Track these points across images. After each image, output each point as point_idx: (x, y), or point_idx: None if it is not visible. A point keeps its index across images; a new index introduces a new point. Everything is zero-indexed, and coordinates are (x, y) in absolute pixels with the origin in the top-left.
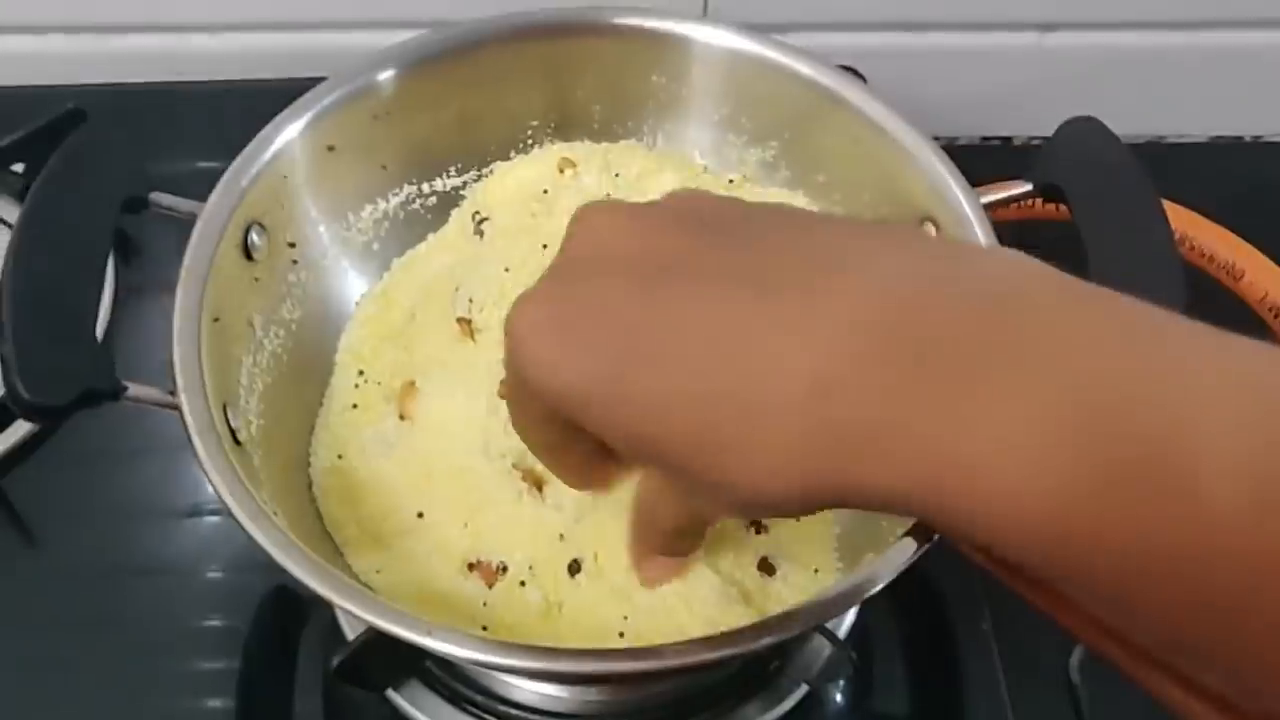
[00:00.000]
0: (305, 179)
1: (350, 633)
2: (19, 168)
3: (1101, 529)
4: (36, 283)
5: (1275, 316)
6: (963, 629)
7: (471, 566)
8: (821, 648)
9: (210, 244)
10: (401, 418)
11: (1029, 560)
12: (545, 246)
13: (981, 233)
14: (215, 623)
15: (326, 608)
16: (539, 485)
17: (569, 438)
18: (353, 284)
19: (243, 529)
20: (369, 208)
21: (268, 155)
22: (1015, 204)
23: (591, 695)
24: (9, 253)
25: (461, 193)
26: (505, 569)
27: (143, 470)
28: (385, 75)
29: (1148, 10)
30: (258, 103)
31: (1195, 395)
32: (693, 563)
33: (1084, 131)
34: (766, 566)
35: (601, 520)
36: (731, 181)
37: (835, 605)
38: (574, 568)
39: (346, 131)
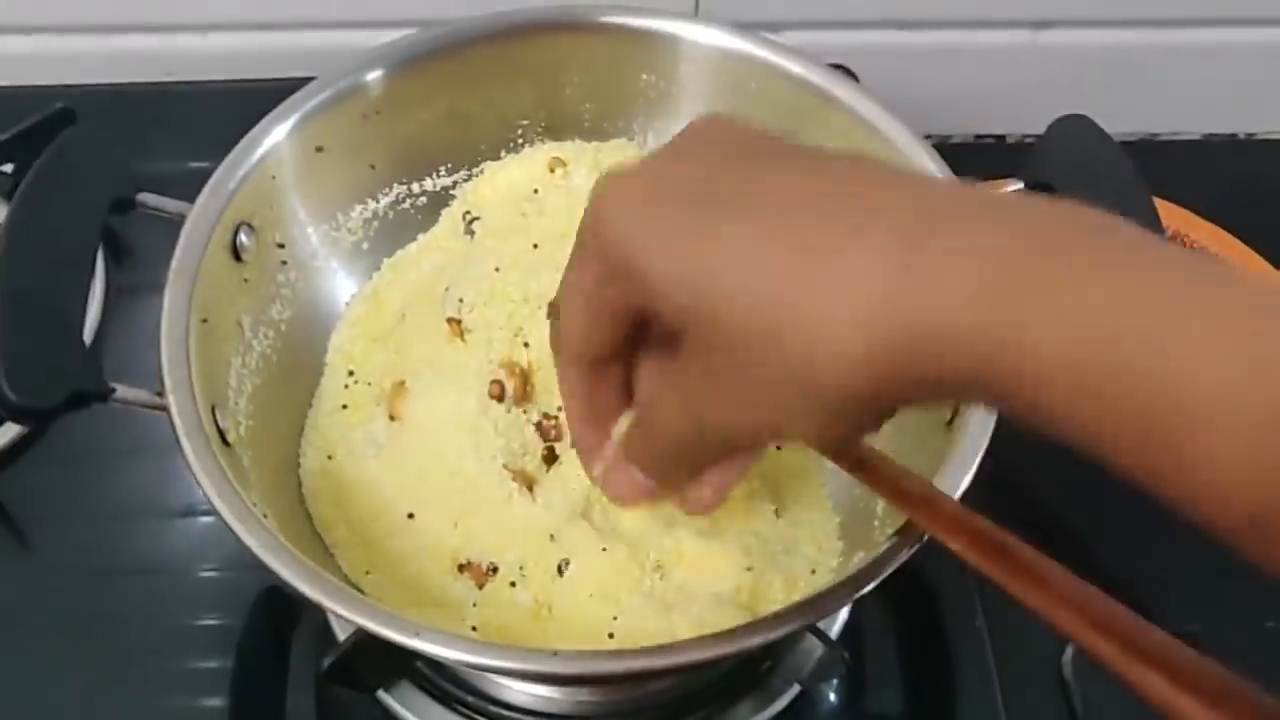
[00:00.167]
0: (294, 179)
1: (341, 634)
2: (8, 168)
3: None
4: (24, 284)
5: None
6: (956, 627)
7: (462, 567)
8: (813, 648)
9: (199, 245)
10: (391, 418)
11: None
12: (536, 246)
13: None
14: (208, 622)
15: (317, 609)
16: (529, 486)
17: (608, 352)
18: (342, 284)
19: (230, 530)
20: (358, 208)
21: (256, 156)
22: None
23: (583, 696)
24: None
25: (451, 192)
26: (495, 570)
27: (134, 471)
28: (374, 75)
29: (1141, 8)
30: (248, 103)
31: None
32: (663, 502)
33: (1076, 129)
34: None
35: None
36: None
37: (824, 606)
38: (563, 567)
39: (335, 132)
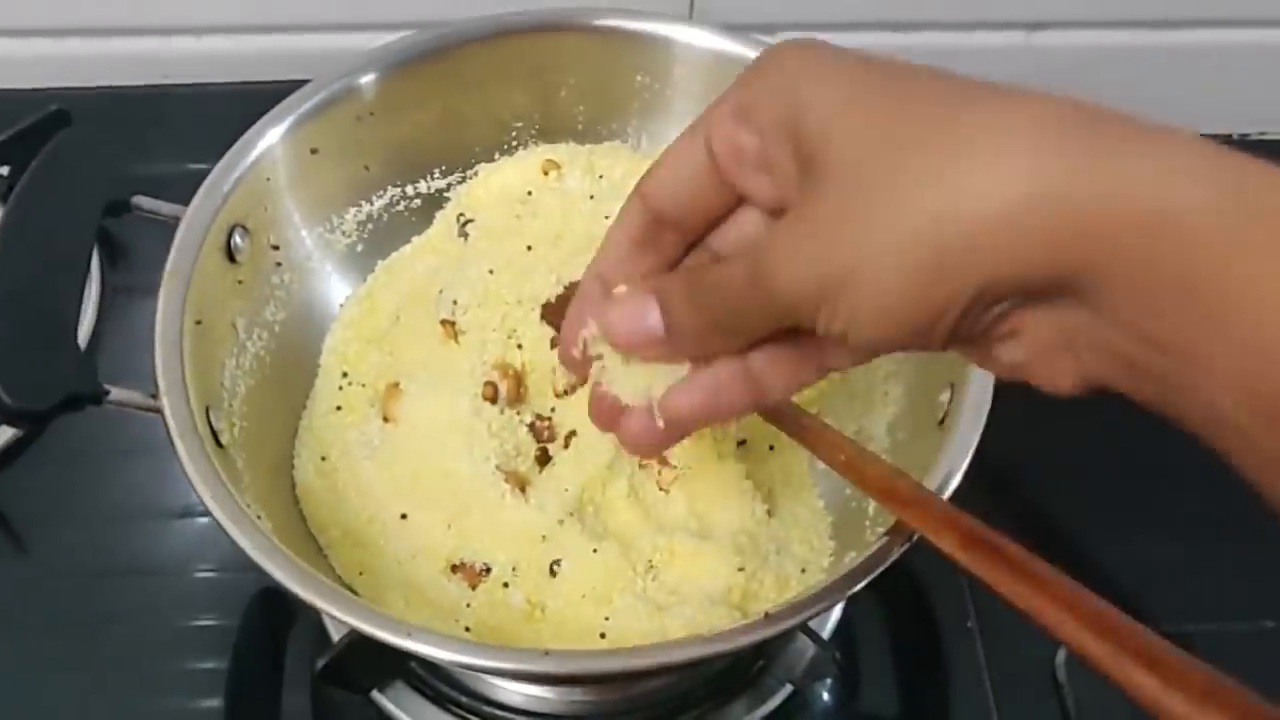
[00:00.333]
0: (288, 182)
1: (335, 635)
2: (4, 170)
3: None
4: (19, 286)
5: None
6: (948, 627)
7: (455, 568)
8: (805, 648)
9: (193, 247)
10: (385, 420)
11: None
12: (530, 248)
13: None
14: (204, 623)
15: (313, 608)
16: (522, 487)
17: (686, 202)
18: (336, 286)
19: (224, 531)
20: (353, 210)
21: (250, 158)
22: None
23: (576, 695)
24: None
25: (446, 195)
26: (488, 571)
27: (130, 472)
28: (368, 78)
29: (1135, 9)
30: (245, 105)
31: None
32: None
33: None
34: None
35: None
36: None
37: (815, 606)
38: (555, 568)
39: (329, 134)
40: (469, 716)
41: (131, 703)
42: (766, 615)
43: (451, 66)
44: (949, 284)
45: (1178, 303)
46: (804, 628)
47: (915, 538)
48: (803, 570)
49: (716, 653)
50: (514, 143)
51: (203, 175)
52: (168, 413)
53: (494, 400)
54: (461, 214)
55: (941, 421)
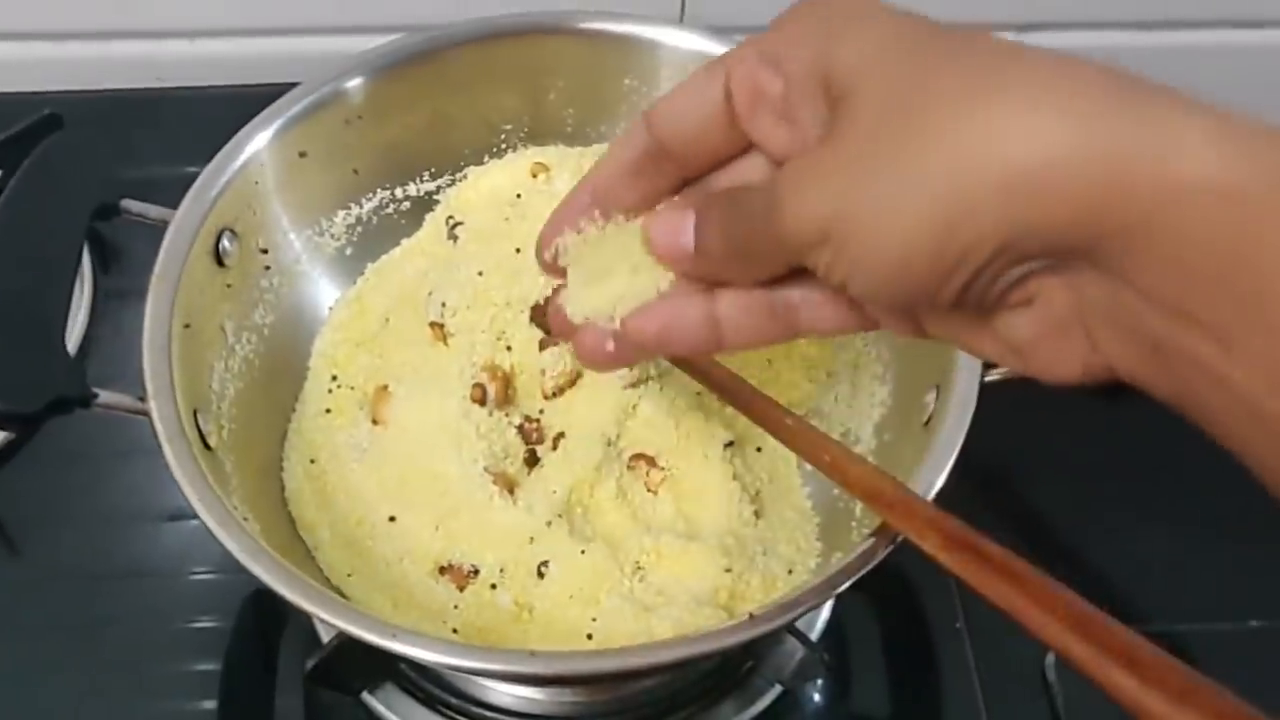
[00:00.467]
0: (277, 185)
1: (325, 636)
2: None
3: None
4: (6, 289)
5: None
6: (937, 628)
7: (443, 570)
8: (794, 649)
9: (181, 251)
10: (374, 422)
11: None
12: (519, 250)
13: None
14: (198, 625)
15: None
16: (510, 489)
17: (694, 134)
18: (326, 289)
19: (211, 533)
20: (342, 213)
21: (238, 162)
22: None
23: (565, 697)
24: None
25: (435, 197)
26: (476, 572)
27: (124, 474)
28: (356, 81)
29: (1128, 10)
30: (238, 108)
31: None
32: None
33: None
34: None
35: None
36: None
37: (800, 606)
38: (543, 570)
39: (318, 137)
40: (459, 718)
41: (127, 704)
42: (752, 616)
43: (440, 69)
44: (969, 234)
45: (1216, 275)
46: (791, 629)
47: (900, 539)
48: (790, 571)
49: (702, 653)
50: (503, 145)
51: (195, 179)
52: (155, 416)
53: (482, 402)
54: (451, 217)
55: (927, 423)
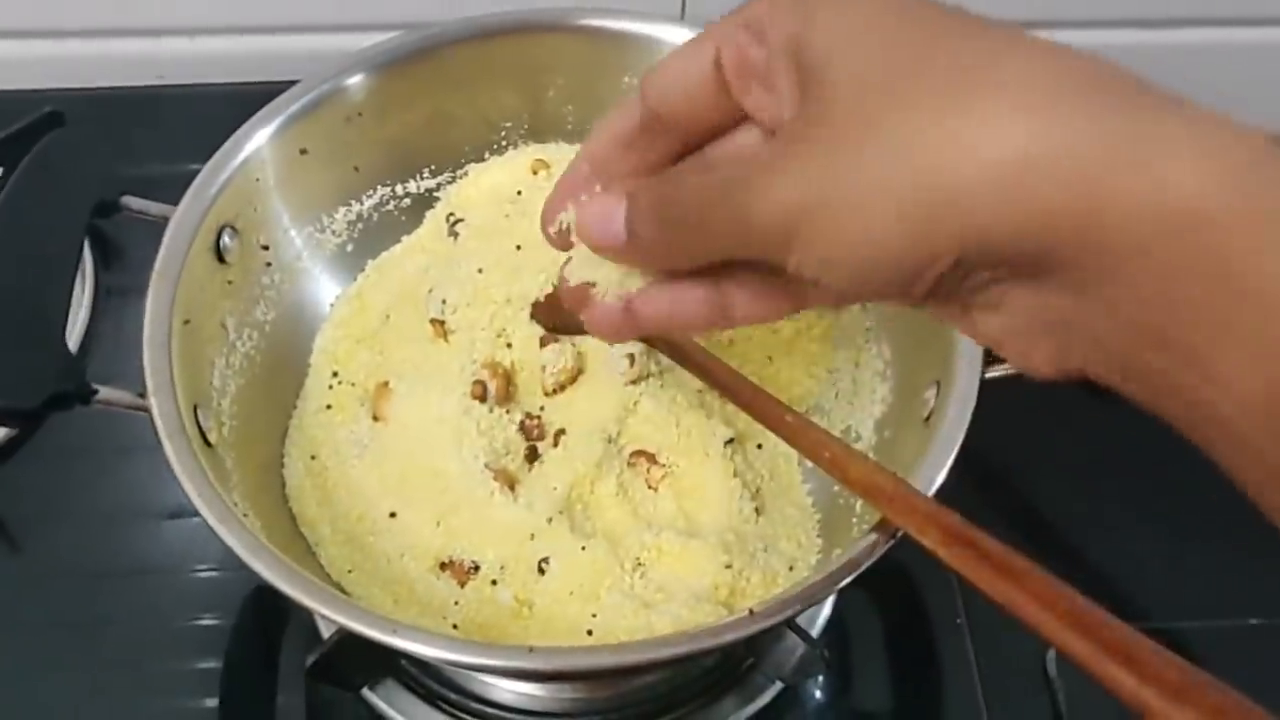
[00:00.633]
0: (277, 182)
1: (326, 633)
2: None
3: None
4: (6, 286)
5: None
6: (938, 624)
7: (444, 566)
8: (794, 646)
9: (181, 247)
10: (375, 419)
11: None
12: (519, 247)
13: None
14: (200, 623)
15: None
16: (511, 485)
17: (684, 107)
18: (326, 286)
19: (211, 530)
20: (342, 210)
21: (239, 159)
22: None
23: (566, 693)
24: None
25: (435, 194)
26: (477, 568)
27: (125, 471)
28: (356, 78)
29: (1127, 9)
30: (239, 105)
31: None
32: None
33: None
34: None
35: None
36: None
37: (799, 602)
38: (543, 566)
39: (318, 134)
40: (460, 714)
41: (128, 702)
42: (752, 612)
43: (440, 67)
44: (931, 244)
45: (1185, 298)
46: (792, 625)
47: (900, 534)
48: (790, 567)
49: (702, 649)
50: (503, 142)
51: (196, 176)
52: (155, 412)
53: (483, 399)
54: (451, 214)
55: (928, 419)
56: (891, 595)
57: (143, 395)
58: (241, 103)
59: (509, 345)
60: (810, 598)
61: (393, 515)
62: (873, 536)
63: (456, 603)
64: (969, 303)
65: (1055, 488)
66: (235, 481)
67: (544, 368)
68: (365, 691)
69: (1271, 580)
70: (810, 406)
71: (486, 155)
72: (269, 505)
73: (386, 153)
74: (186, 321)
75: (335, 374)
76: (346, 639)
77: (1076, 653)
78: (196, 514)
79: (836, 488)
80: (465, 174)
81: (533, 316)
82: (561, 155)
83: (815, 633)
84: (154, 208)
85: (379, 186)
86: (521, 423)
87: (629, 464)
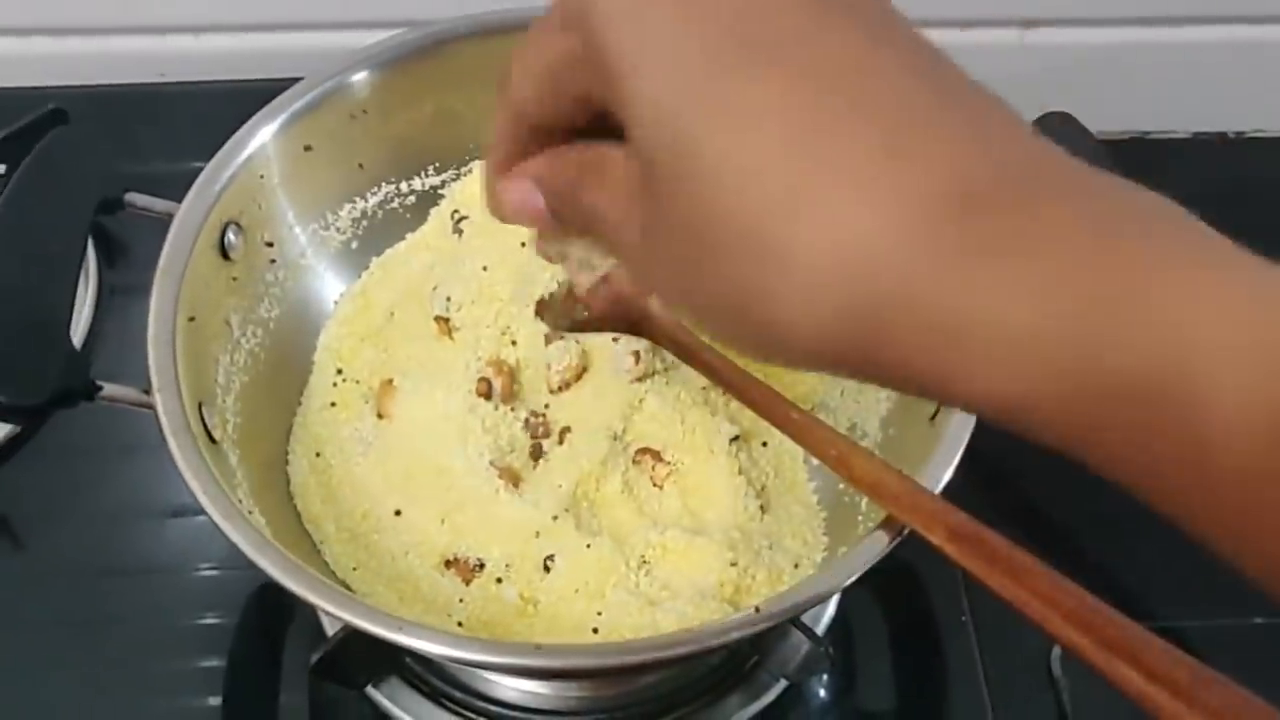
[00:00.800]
0: (282, 179)
1: (330, 630)
2: (0, 169)
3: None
4: (10, 283)
5: None
6: (943, 622)
7: (449, 564)
8: (799, 643)
9: (186, 244)
10: (380, 416)
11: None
12: (524, 245)
13: None
14: (203, 621)
15: (309, 605)
16: (516, 483)
17: (550, 123)
18: (331, 283)
19: (216, 527)
20: (347, 207)
21: (243, 156)
22: None
23: (570, 691)
24: None
25: (440, 192)
26: (482, 566)
27: (128, 469)
28: (361, 75)
29: (1130, 7)
30: (241, 103)
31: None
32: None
33: (1057, 127)
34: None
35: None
36: None
37: (805, 600)
38: (549, 563)
39: (323, 131)
40: (464, 712)
41: (131, 701)
42: (757, 609)
43: (444, 64)
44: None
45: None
46: (797, 622)
47: (905, 532)
48: (795, 565)
49: (707, 647)
50: None
51: (199, 173)
52: (160, 409)
53: (488, 396)
54: (456, 211)
55: (933, 417)
56: (896, 593)
57: (147, 392)
58: (244, 100)
59: (514, 343)
60: (818, 594)
61: (397, 513)
62: (879, 534)
63: (461, 600)
64: None
65: (1060, 486)
66: (240, 479)
67: (549, 365)
68: (369, 689)
69: None
70: (815, 404)
71: None
72: (273, 503)
73: (391, 150)
74: (191, 318)
75: (340, 371)
76: (352, 636)
77: (1083, 650)
78: (199, 512)
79: (841, 485)
80: (470, 171)
81: (537, 314)
82: None
83: (820, 630)
84: (158, 204)
85: (383, 184)
86: (526, 420)
87: (634, 461)
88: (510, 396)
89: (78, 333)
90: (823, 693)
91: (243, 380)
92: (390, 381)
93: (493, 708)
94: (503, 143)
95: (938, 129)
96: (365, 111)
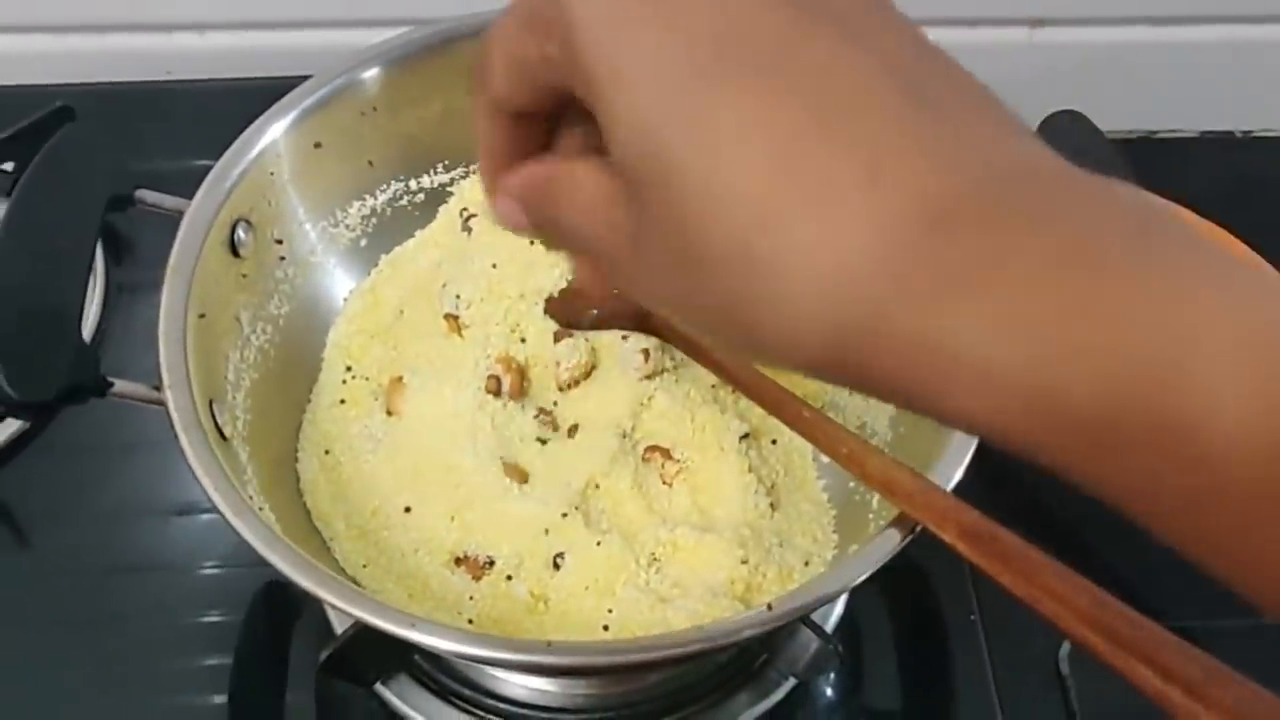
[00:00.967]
0: (292, 176)
1: (339, 627)
2: (8, 166)
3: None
4: (21, 281)
5: None
6: (951, 621)
7: (458, 561)
8: (808, 641)
9: (196, 241)
10: (389, 413)
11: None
12: (532, 243)
13: None
14: (209, 619)
15: (316, 603)
16: (525, 480)
17: (528, 111)
18: (340, 280)
19: (228, 524)
20: (357, 204)
21: (254, 153)
22: None
23: (579, 689)
24: None
25: (449, 189)
26: (492, 563)
27: (135, 467)
28: (371, 72)
29: (1139, 6)
30: (248, 101)
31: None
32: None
33: (1067, 125)
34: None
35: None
36: None
37: (816, 598)
38: (559, 561)
39: (333, 128)
40: (473, 710)
41: (137, 699)
42: (768, 607)
43: (454, 61)
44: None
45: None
46: (806, 620)
47: (917, 530)
48: (806, 563)
49: (718, 645)
50: None
51: (206, 171)
52: (171, 406)
53: (497, 394)
54: (465, 208)
55: None
56: (905, 591)
57: (157, 388)
58: (251, 98)
59: (523, 340)
60: (829, 592)
61: (407, 510)
62: (890, 532)
63: (471, 598)
64: None
65: (1069, 484)
66: (250, 476)
67: (558, 363)
68: (378, 687)
69: None
70: (825, 402)
71: None
72: (283, 500)
73: (400, 147)
74: (201, 315)
75: (349, 369)
76: (361, 633)
77: (1096, 648)
78: (206, 510)
79: (852, 483)
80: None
81: (546, 311)
82: None
83: (829, 628)
84: (169, 201)
85: (393, 181)
86: (535, 418)
87: (643, 459)
88: (519, 394)
89: (86, 330)
90: (830, 691)
91: (252, 377)
92: (399, 379)
93: (501, 705)
94: (487, 139)
95: (915, 141)
96: (375, 109)
